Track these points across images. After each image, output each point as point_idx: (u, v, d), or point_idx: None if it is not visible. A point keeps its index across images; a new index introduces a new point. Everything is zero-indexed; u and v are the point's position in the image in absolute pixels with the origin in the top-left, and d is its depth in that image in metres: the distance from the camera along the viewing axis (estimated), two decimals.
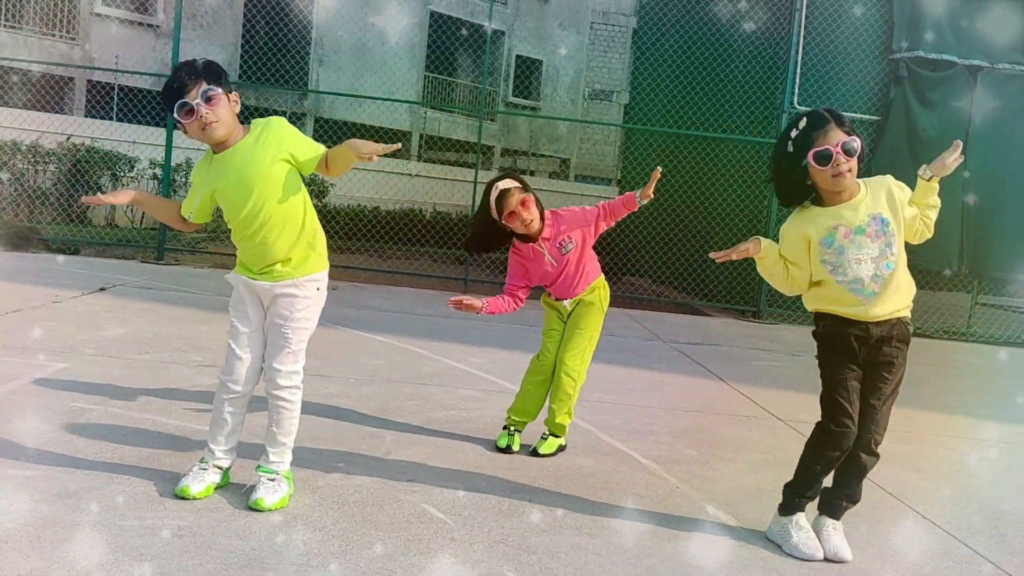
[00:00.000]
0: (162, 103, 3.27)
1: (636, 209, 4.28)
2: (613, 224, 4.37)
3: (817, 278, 3.40)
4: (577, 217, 4.32)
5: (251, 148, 3.30)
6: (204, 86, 3.20)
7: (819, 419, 3.44)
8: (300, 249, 3.38)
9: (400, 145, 3.33)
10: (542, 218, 4.23)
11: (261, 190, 3.28)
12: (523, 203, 4.11)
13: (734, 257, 3.38)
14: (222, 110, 3.24)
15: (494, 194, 4.13)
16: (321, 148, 3.37)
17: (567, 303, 4.39)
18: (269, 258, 3.35)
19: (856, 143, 3.22)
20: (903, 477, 4.61)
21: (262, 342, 3.44)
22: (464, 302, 4.00)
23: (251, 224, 3.31)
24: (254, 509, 3.31)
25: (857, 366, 3.38)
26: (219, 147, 3.31)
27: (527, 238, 4.24)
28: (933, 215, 3.43)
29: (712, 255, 3.41)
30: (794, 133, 3.28)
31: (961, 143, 3.38)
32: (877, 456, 3.45)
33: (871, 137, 10.78)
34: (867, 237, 3.30)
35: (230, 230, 3.43)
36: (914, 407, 6.47)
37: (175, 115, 3.22)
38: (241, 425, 3.51)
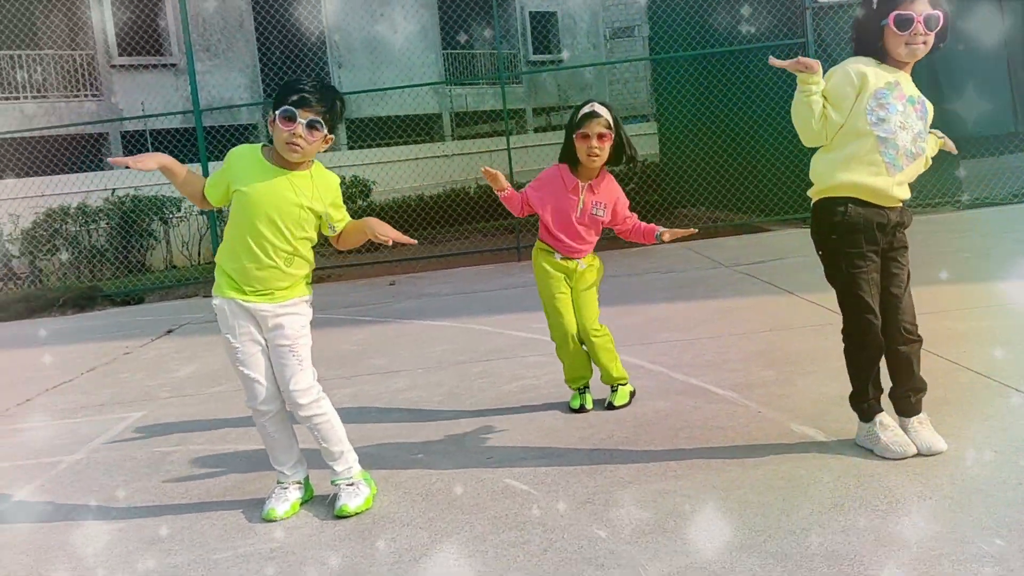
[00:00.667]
0: (275, 102, 3.23)
1: (649, 241, 4.21)
2: (622, 237, 4.32)
3: (855, 127, 3.23)
4: (621, 201, 4.29)
5: (301, 184, 3.29)
6: (318, 116, 3.20)
7: (842, 327, 3.35)
8: (300, 278, 3.40)
9: (416, 242, 3.42)
10: (604, 167, 4.18)
11: (288, 228, 3.27)
12: (601, 137, 4.08)
13: (795, 65, 3.20)
14: (314, 145, 3.24)
15: (584, 109, 4.13)
16: (348, 219, 3.43)
17: (580, 264, 4.28)
18: (268, 284, 3.32)
19: (939, 17, 3.14)
20: (992, 353, 4.45)
21: (268, 357, 3.40)
22: (493, 172, 4.06)
23: (261, 249, 3.27)
24: (340, 517, 3.34)
25: (877, 255, 3.28)
26: (278, 160, 3.29)
27: (577, 170, 4.18)
28: (925, 167, 3.41)
29: (771, 60, 3.28)
30: None
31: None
32: (919, 340, 3.34)
33: None
34: (915, 110, 3.26)
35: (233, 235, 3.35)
36: (992, 280, 6.26)
37: (276, 112, 3.20)
38: (294, 437, 3.52)
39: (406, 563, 2.92)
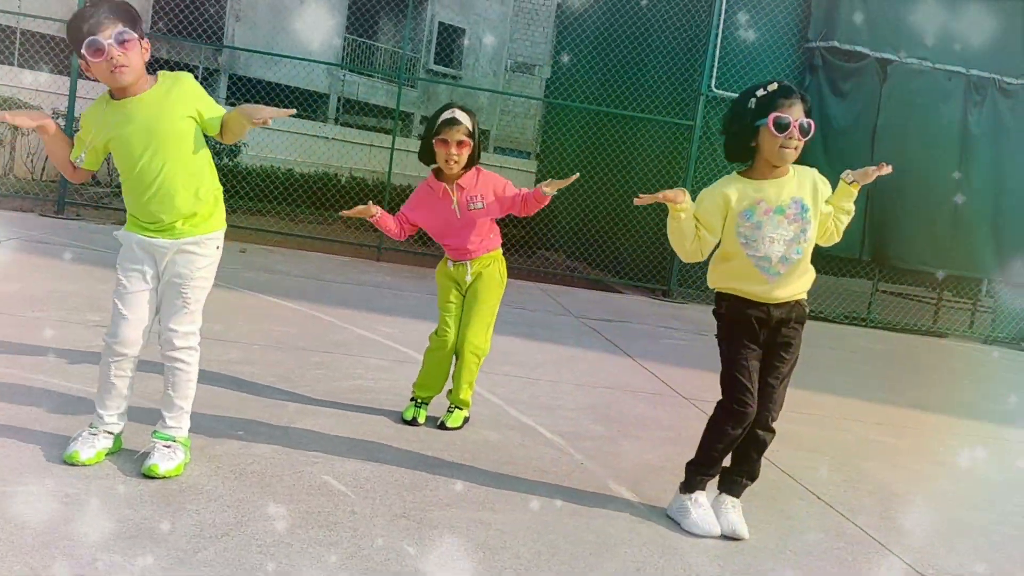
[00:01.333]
0: (68, 41, 3.07)
1: (545, 203, 4.20)
2: (524, 215, 4.30)
3: (727, 249, 3.44)
4: (499, 185, 4.28)
5: (159, 100, 3.16)
6: (119, 27, 3.03)
7: (720, 399, 3.49)
8: (201, 207, 3.26)
9: (294, 110, 3.26)
10: (467, 168, 4.20)
11: (166, 143, 3.15)
12: (460, 144, 4.11)
13: (659, 199, 3.32)
14: (134, 55, 3.08)
15: (445, 115, 4.13)
16: (223, 110, 3.27)
17: (468, 270, 4.30)
18: (169, 215, 3.20)
19: (811, 125, 3.29)
20: (800, 457, 4.72)
21: (151, 302, 3.29)
22: (358, 209, 4.04)
23: (151, 178, 3.16)
24: (148, 476, 3.20)
25: (757, 346, 3.44)
26: (121, 93, 3.15)
27: (442, 175, 4.21)
28: (845, 220, 3.55)
29: (637, 200, 3.37)
30: (760, 92, 3.32)
31: (890, 166, 3.49)
32: (774, 432, 3.53)
33: None
34: (785, 218, 3.38)
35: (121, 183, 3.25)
36: (813, 389, 6.65)
37: (83, 51, 3.02)
38: (131, 389, 3.37)
39: (206, 539, 2.82)
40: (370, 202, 4.16)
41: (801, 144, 3.32)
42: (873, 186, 10.71)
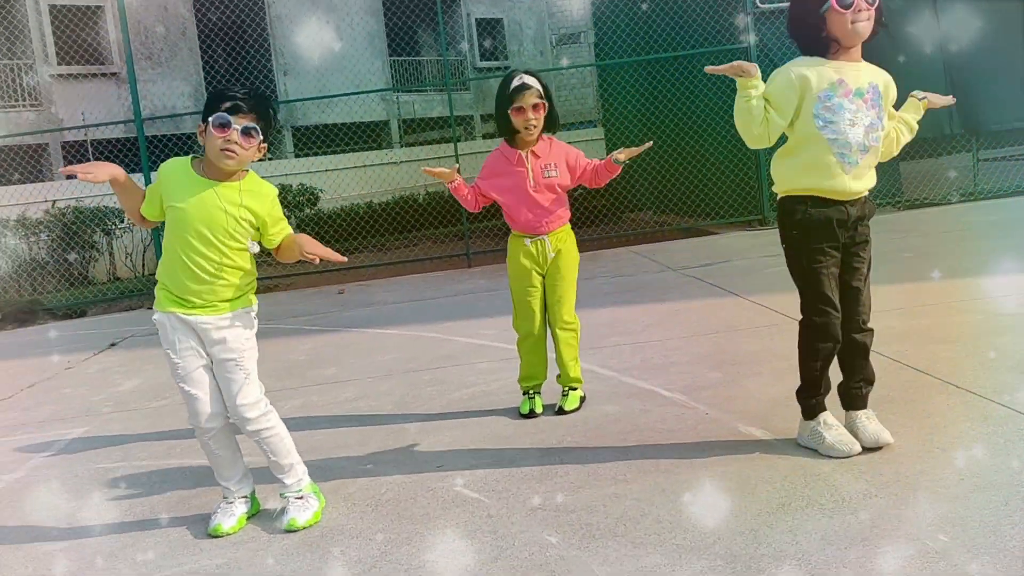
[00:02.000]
0: (206, 104, 3.17)
1: (617, 172, 4.16)
2: (593, 186, 4.28)
3: (801, 136, 3.29)
4: (571, 154, 4.27)
5: (239, 199, 3.22)
6: (252, 122, 3.14)
7: (800, 317, 3.38)
8: (240, 291, 3.33)
9: (346, 259, 3.35)
10: (545, 131, 4.20)
11: (224, 240, 3.21)
12: (536, 108, 4.10)
13: (730, 71, 3.21)
14: (249, 152, 3.18)
15: (514, 82, 4.12)
16: (288, 231, 3.34)
17: (548, 245, 4.25)
18: (209, 296, 3.25)
19: None
20: (931, 351, 4.53)
21: (211, 374, 3.33)
22: (440, 170, 4.06)
23: (197, 263, 3.20)
24: (289, 531, 3.29)
25: (836, 251, 3.32)
26: (209, 171, 3.22)
27: (515, 141, 4.20)
28: (907, 138, 3.43)
29: (708, 68, 3.28)
30: None
31: (955, 99, 3.40)
32: (871, 331, 3.41)
33: None
34: (864, 103, 3.26)
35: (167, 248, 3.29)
36: (931, 279, 6.39)
37: (208, 120, 3.12)
38: (238, 451, 3.46)
39: (358, 574, 2.88)
40: (455, 166, 4.15)
41: (873, 13, 3.16)
42: (946, 52, 10.33)
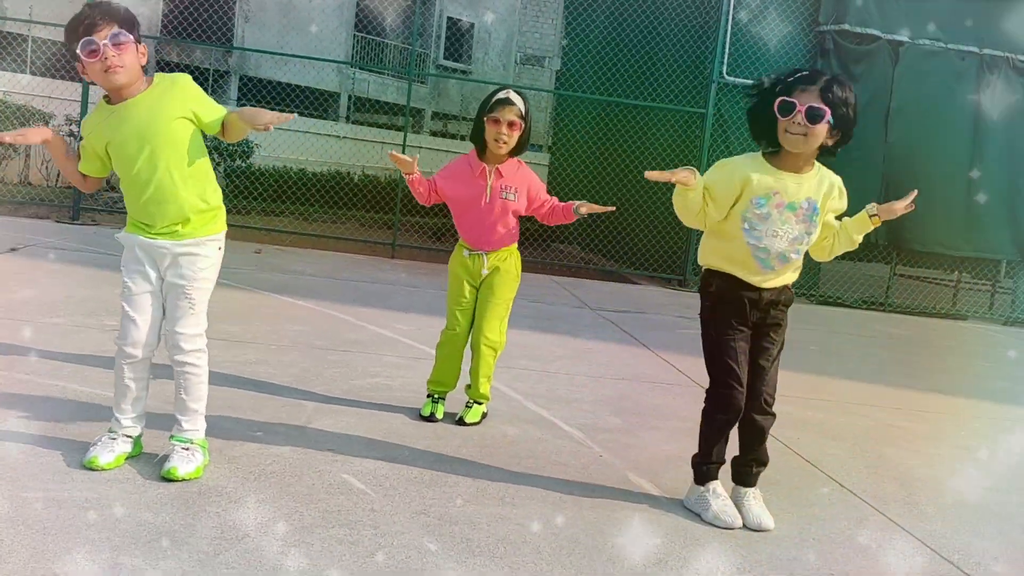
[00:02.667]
0: (65, 42, 3.09)
1: (572, 220, 4.21)
2: (545, 222, 4.31)
3: (727, 230, 3.36)
4: (535, 184, 4.28)
5: (154, 101, 3.16)
6: (115, 29, 3.06)
7: (708, 387, 3.46)
8: (201, 209, 3.26)
9: (295, 115, 3.26)
10: (513, 154, 4.19)
11: (161, 145, 3.15)
12: (512, 125, 4.08)
13: (670, 180, 3.23)
14: (129, 57, 3.09)
15: (499, 95, 4.13)
16: (223, 110, 3.27)
17: (484, 262, 4.26)
18: (168, 217, 3.20)
19: (824, 113, 3.14)
20: (821, 445, 4.69)
21: (158, 304, 3.29)
22: (403, 159, 4.01)
23: (147, 179, 3.16)
24: (167, 479, 3.21)
25: (746, 327, 3.40)
26: (117, 97, 3.16)
27: (484, 154, 4.19)
28: (840, 250, 3.48)
29: (647, 174, 3.27)
30: (776, 76, 3.26)
31: (916, 192, 3.42)
32: (773, 415, 3.48)
33: None
34: (795, 216, 3.31)
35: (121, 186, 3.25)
36: (832, 375, 6.62)
37: (78, 51, 3.04)
38: (146, 391, 3.38)
39: (227, 540, 2.82)
40: (415, 157, 4.09)
41: (816, 131, 3.16)
42: (887, 169, 10.77)
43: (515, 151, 4.19)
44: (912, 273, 12.45)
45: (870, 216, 3.39)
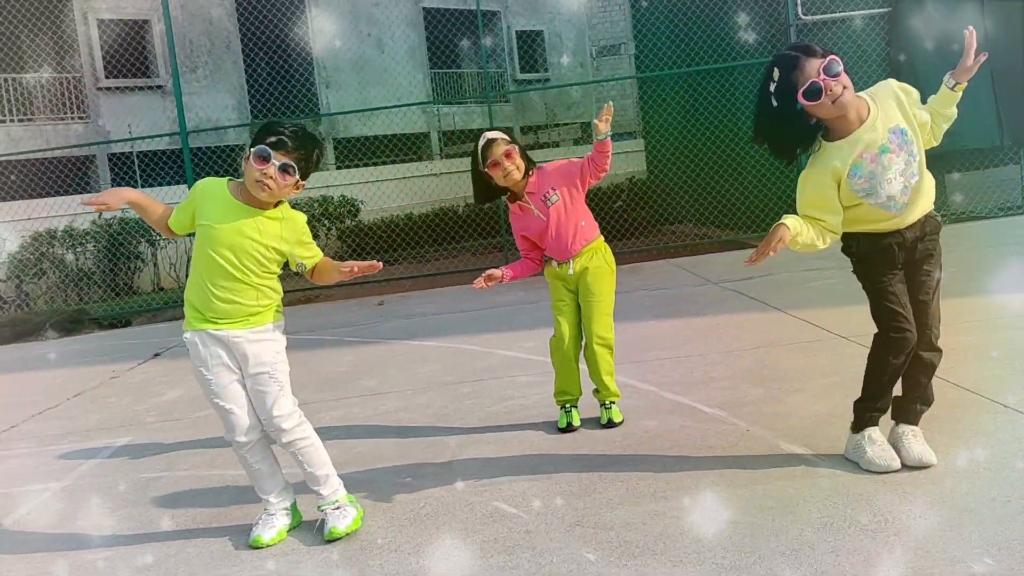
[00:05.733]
0: (254, 140, 3.26)
1: (608, 148, 4.14)
2: (601, 174, 4.25)
3: (848, 205, 3.27)
4: (562, 169, 4.29)
5: (268, 227, 3.29)
6: (291, 160, 3.21)
7: (876, 331, 3.35)
8: (268, 307, 3.37)
9: (381, 265, 3.36)
10: (528, 172, 4.24)
11: (251, 265, 3.26)
12: (506, 154, 4.15)
13: (770, 255, 3.15)
14: (285, 188, 3.24)
15: (481, 143, 4.20)
16: (320, 255, 3.42)
17: (571, 267, 4.28)
18: (240, 314, 3.30)
19: (836, 62, 3.08)
20: (978, 369, 4.46)
21: (244, 390, 3.36)
22: (485, 276, 4.10)
23: (223, 284, 3.26)
24: (330, 540, 3.32)
25: (899, 269, 3.30)
26: (247, 197, 3.29)
27: (514, 196, 4.28)
28: (945, 126, 3.34)
29: (746, 262, 3.21)
30: (772, 86, 3.15)
31: (974, 30, 3.24)
32: (940, 351, 3.38)
33: (884, 29, 10.51)
34: (892, 154, 3.20)
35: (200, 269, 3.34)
36: (977, 294, 6.28)
37: (252, 150, 3.21)
38: (276, 464, 3.49)
39: None
40: (490, 271, 4.16)
41: (845, 79, 3.08)
42: (995, 66, 10.17)
43: (526, 171, 4.24)
44: None
45: (951, 88, 3.26)
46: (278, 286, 3.41)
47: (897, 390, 3.43)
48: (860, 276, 3.40)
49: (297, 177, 3.24)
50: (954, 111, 3.30)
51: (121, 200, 3.31)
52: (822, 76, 3.06)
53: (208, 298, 3.28)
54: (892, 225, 3.26)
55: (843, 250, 3.43)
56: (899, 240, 3.28)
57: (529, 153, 4.30)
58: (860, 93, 3.23)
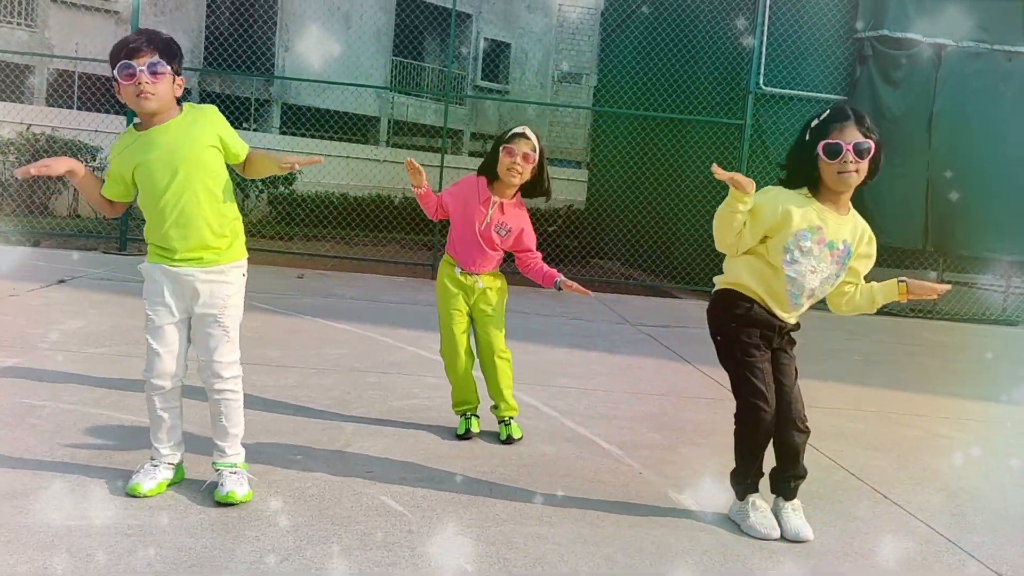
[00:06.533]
0: (109, 63, 3.18)
1: (548, 287, 4.26)
2: (520, 268, 4.37)
3: (767, 258, 3.37)
4: (528, 232, 4.33)
5: (184, 128, 3.23)
6: (154, 58, 3.13)
7: (735, 408, 3.46)
8: (225, 236, 3.31)
9: (322, 159, 3.36)
10: (519, 193, 4.26)
11: (188, 171, 3.20)
12: (526, 157, 4.15)
13: (731, 179, 3.19)
14: (163, 86, 3.16)
15: (516, 129, 4.22)
16: (247, 147, 3.38)
17: (479, 281, 4.29)
18: (191, 242, 3.24)
19: (869, 145, 3.21)
20: (865, 457, 4.61)
21: (183, 334, 3.33)
22: (414, 166, 4.11)
23: (172, 205, 3.20)
24: (224, 503, 3.25)
25: (768, 348, 3.43)
26: (147, 122, 3.23)
27: (493, 186, 4.25)
28: (860, 306, 3.48)
29: (714, 168, 3.27)
30: (814, 123, 3.29)
31: (948, 286, 3.44)
32: (807, 432, 3.47)
33: None
34: (832, 256, 3.34)
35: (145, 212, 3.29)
36: (877, 386, 6.52)
37: (115, 72, 3.13)
38: (181, 419, 3.42)
39: (267, 565, 2.85)
40: (424, 174, 4.17)
41: (863, 166, 3.23)
42: (932, 175, 10.61)
43: (526, 190, 4.26)
44: (960, 279, 12.19)
45: (899, 282, 3.40)
46: (235, 210, 3.35)
47: (773, 463, 3.52)
48: (729, 346, 3.45)
49: (169, 69, 3.17)
50: (876, 307, 3.46)
51: (64, 166, 3.18)
52: (850, 147, 3.18)
53: (164, 229, 3.22)
54: (780, 315, 3.41)
55: (722, 312, 3.48)
56: (781, 324, 3.43)
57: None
58: (854, 210, 3.41)
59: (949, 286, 3.47)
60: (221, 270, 3.30)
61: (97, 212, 12.38)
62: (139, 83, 3.12)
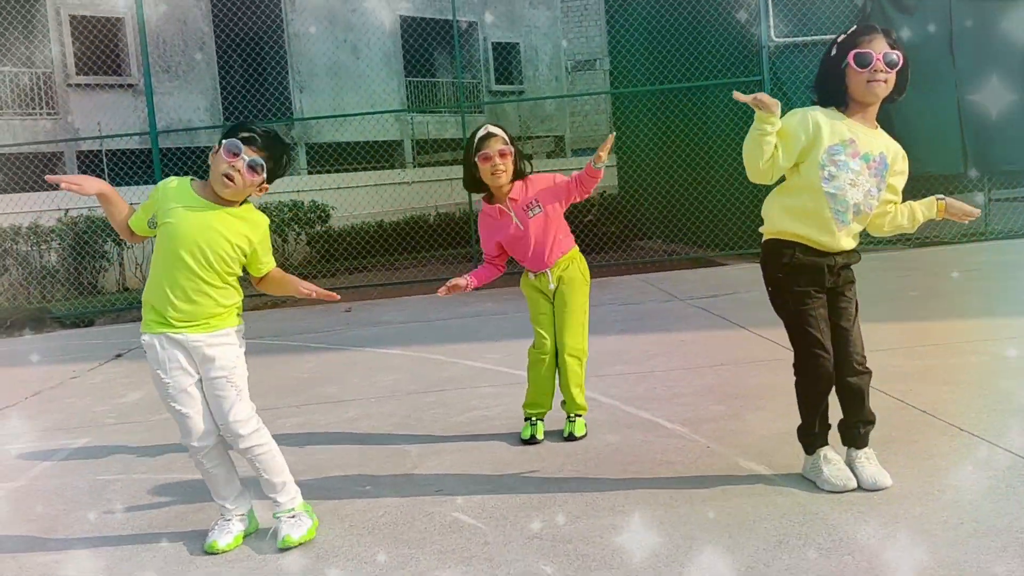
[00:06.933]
0: (224, 135, 3.25)
1: (600, 176, 4.16)
2: (584, 197, 4.28)
3: (800, 183, 3.31)
4: (548, 183, 4.28)
5: (230, 222, 3.27)
6: (261, 158, 3.21)
7: (793, 360, 3.41)
8: (230, 309, 3.34)
9: (338, 296, 3.46)
10: (514, 180, 4.23)
11: (213, 259, 3.23)
12: (501, 153, 4.13)
13: (752, 103, 3.16)
14: (249, 187, 3.24)
15: (480, 133, 4.19)
16: (273, 264, 3.44)
17: (549, 277, 4.29)
18: (201, 315, 3.26)
19: (898, 56, 3.20)
20: (934, 392, 4.51)
21: (202, 394, 3.33)
22: (450, 286, 4.10)
23: (186, 275, 3.21)
24: (284, 548, 3.29)
25: (823, 292, 3.36)
26: (207, 192, 3.27)
27: (491, 197, 4.25)
28: (902, 223, 3.42)
29: (735, 94, 3.26)
30: (841, 38, 3.28)
31: (979, 211, 3.40)
32: (868, 373, 3.41)
33: None
34: (868, 168, 3.29)
35: (158, 269, 3.29)
36: (938, 318, 6.38)
37: (223, 143, 3.20)
38: (233, 470, 3.46)
39: None
40: (454, 279, 4.17)
41: (891, 76, 3.21)
42: (962, 95, 10.36)
43: (514, 179, 4.23)
44: (1009, 196, 11.88)
45: (936, 203, 3.36)
46: (239, 288, 3.39)
47: (840, 412, 3.46)
48: (780, 295, 3.42)
49: (264, 176, 3.24)
50: (916, 225, 3.41)
51: (95, 188, 3.24)
52: (880, 56, 3.17)
53: (169, 299, 3.23)
54: (831, 243, 3.31)
55: (770, 262, 3.43)
56: (831, 263, 3.34)
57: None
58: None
59: (979, 211, 3.40)
60: (226, 332, 3.32)
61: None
62: (233, 167, 3.18)
